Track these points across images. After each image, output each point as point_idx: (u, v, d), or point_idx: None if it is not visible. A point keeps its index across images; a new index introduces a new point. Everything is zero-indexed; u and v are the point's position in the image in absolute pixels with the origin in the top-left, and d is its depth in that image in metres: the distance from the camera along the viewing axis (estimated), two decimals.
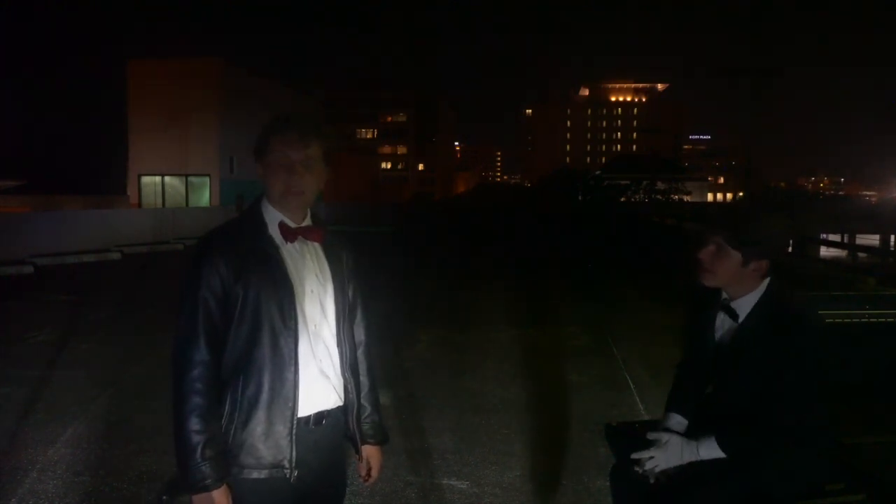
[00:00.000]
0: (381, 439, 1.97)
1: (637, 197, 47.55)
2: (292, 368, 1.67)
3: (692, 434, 2.17)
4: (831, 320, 2.93)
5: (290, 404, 1.67)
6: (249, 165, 1.90)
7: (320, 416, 1.74)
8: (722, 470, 2.06)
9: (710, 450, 2.08)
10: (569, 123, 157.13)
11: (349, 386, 1.84)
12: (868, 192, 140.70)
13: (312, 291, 1.75)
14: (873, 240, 34.47)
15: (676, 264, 13.93)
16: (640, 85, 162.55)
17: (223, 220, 1.80)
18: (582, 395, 5.32)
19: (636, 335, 7.45)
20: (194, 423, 1.58)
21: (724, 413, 2.17)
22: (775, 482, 2.06)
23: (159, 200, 29.79)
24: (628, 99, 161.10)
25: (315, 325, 1.74)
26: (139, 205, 29.38)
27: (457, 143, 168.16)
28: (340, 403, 1.81)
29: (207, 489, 1.58)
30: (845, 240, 30.33)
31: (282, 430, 1.66)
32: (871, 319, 3.03)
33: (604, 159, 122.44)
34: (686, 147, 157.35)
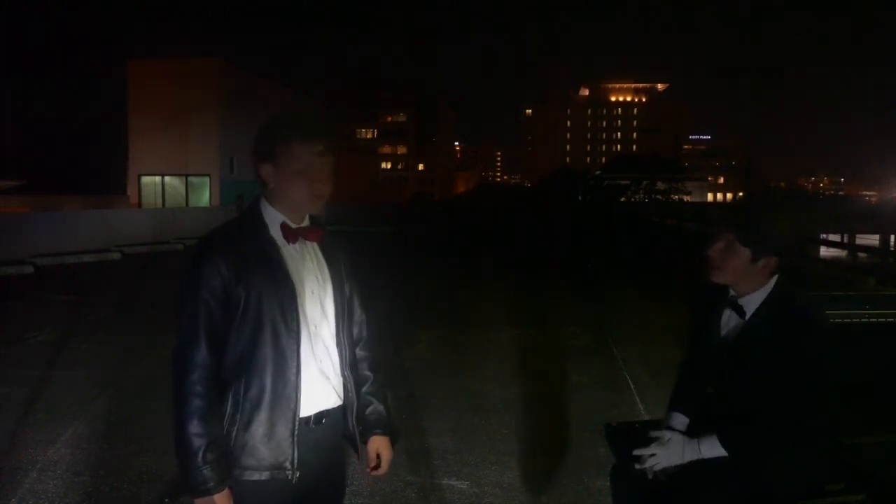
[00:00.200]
0: (388, 431, 1.93)
1: (637, 197, 47.56)
2: (294, 369, 1.67)
3: (694, 432, 2.17)
4: (831, 320, 2.93)
5: (293, 405, 1.67)
6: (249, 165, 1.88)
7: (320, 416, 1.74)
8: (722, 469, 2.06)
9: (711, 447, 2.08)
10: (569, 123, 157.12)
11: (349, 385, 1.84)
12: (868, 192, 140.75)
13: (313, 292, 1.75)
14: (873, 240, 34.44)
15: (676, 264, 13.94)
16: (640, 85, 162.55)
17: (223, 220, 1.79)
18: (582, 395, 5.32)
19: (636, 335, 7.45)
20: (196, 426, 1.57)
21: (726, 411, 2.17)
22: (775, 482, 2.06)
23: (159, 200, 29.79)
24: (628, 99, 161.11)
25: (315, 326, 1.74)
26: (139, 205, 29.39)
27: (457, 143, 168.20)
28: (340, 403, 1.81)
29: (210, 492, 1.57)
30: (845, 240, 30.32)
31: (284, 431, 1.66)
32: (871, 319, 3.03)
33: (604, 159, 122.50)
34: (686, 147, 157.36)
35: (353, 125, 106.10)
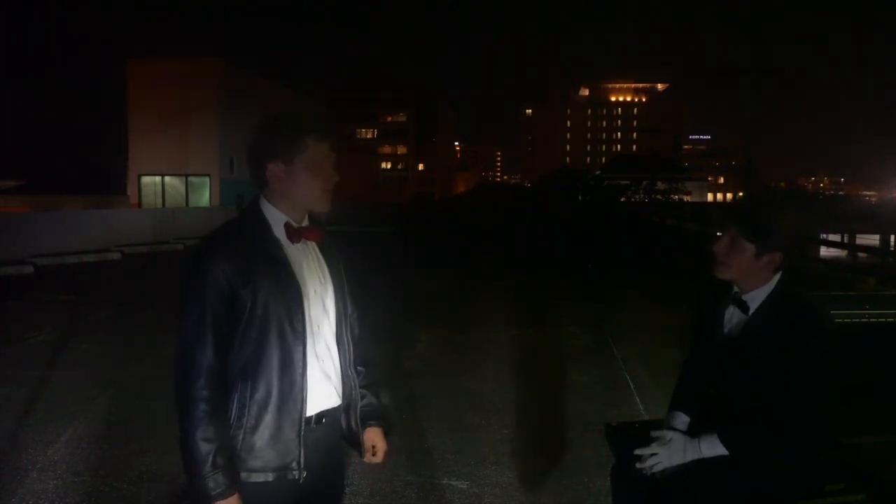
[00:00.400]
0: (382, 423, 1.94)
1: (637, 197, 47.51)
2: (300, 370, 1.66)
3: (695, 431, 2.17)
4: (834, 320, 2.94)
5: (299, 406, 1.66)
6: None
7: (321, 416, 1.74)
8: (722, 469, 2.06)
9: (712, 446, 2.09)
10: (569, 123, 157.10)
11: (351, 383, 1.84)
12: (868, 192, 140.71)
13: (315, 291, 1.74)
14: (873, 240, 34.42)
15: (677, 264, 13.94)
16: (640, 85, 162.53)
17: (223, 220, 1.78)
18: (582, 395, 5.32)
19: (636, 335, 7.45)
20: (204, 432, 1.55)
21: (727, 409, 2.17)
22: (775, 482, 2.06)
23: (159, 200, 29.83)
24: (628, 99, 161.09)
25: (318, 326, 1.74)
26: (139, 205, 29.42)
27: (457, 143, 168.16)
28: (340, 403, 1.81)
29: (222, 497, 1.55)
30: (845, 240, 30.30)
31: (290, 432, 1.65)
32: (871, 319, 3.03)
33: (604, 159, 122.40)
34: (686, 147, 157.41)
35: (353, 125, 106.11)
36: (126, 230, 17.90)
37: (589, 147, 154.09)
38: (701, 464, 2.09)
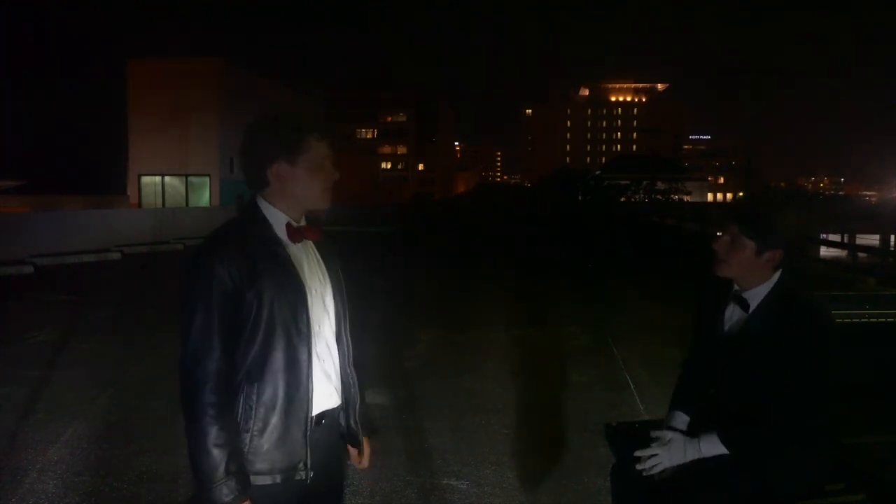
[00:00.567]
0: (366, 427, 1.96)
1: (637, 197, 47.55)
2: (306, 371, 1.65)
3: (695, 431, 2.17)
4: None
5: (305, 407, 1.65)
6: None
7: (321, 417, 1.74)
8: (722, 469, 2.06)
9: (712, 446, 2.09)
10: (569, 123, 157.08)
11: (351, 382, 1.84)
12: (868, 192, 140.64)
13: (316, 291, 1.74)
14: (873, 240, 34.41)
15: (676, 264, 13.94)
16: (640, 85, 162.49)
17: (223, 220, 1.77)
18: (582, 395, 5.32)
19: (636, 335, 7.44)
20: (216, 438, 1.52)
21: (728, 409, 2.17)
22: (775, 482, 2.06)
23: (159, 200, 29.82)
24: (628, 99, 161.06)
25: (319, 325, 1.73)
26: (139, 205, 29.40)
27: (457, 143, 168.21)
28: (339, 402, 1.81)
29: (235, 503, 1.54)
30: (845, 240, 30.29)
31: (297, 433, 1.64)
32: (871, 319, 3.03)
33: (604, 159, 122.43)
34: (686, 147, 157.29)
35: (353, 125, 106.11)
36: (126, 230, 17.89)
37: (589, 147, 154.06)
38: (701, 464, 2.09)
